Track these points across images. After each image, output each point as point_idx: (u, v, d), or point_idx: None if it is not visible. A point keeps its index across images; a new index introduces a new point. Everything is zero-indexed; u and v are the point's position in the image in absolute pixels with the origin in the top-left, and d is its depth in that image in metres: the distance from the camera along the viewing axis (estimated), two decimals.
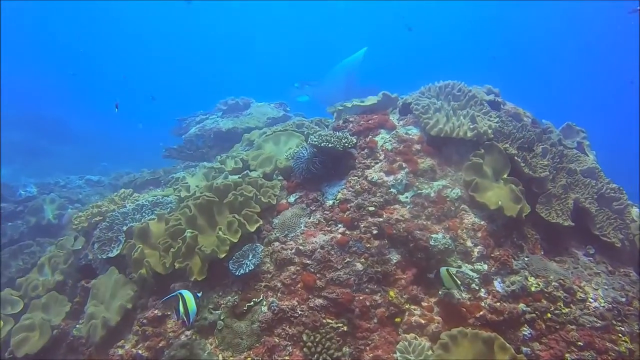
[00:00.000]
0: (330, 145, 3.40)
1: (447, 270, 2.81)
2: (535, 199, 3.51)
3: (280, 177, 4.01)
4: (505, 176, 3.49)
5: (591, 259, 3.44)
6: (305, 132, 4.62)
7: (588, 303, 2.95)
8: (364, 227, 3.20)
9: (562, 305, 2.94)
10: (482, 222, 3.23)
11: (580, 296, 2.98)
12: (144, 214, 4.07)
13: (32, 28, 31.39)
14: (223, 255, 3.21)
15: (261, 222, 3.43)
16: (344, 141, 3.45)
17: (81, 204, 8.43)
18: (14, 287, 4.72)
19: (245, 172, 4.18)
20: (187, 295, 2.63)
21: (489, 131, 3.52)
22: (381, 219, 3.20)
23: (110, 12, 33.47)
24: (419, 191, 3.32)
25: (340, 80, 10.80)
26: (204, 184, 4.54)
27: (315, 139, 3.48)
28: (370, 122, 3.79)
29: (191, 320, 2.62)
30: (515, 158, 3.50)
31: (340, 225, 3.26)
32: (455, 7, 31.84)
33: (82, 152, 15.09)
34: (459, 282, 2.84)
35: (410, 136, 3.63)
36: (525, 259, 3.20)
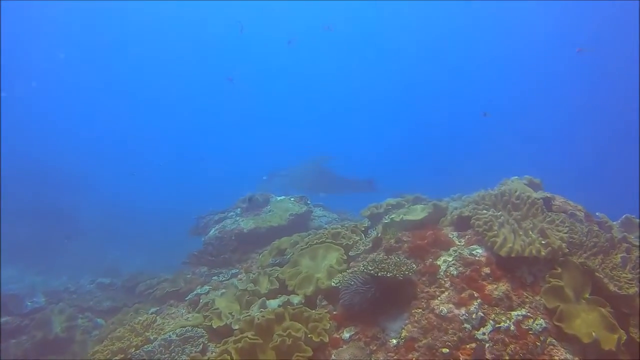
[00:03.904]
0: (389, 275, 3.01)
1: None
2: (623, 319, 3.06)
3: (324, 302, 3.60)
4: (587, 295, 3.07)
5: None
6: (344, 244, 4.26)
7: None
8: None
9: None
10: (575, 359, 2.76)
11: None
12: (173, 353, 3.59)
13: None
14: None
15: None
16: (403, 269, 3.07)
17: (92, 312, 7.89)
18: None
19: (285, 298, 3.76)
20: None
21: (563, 245, 3.16)
22: None
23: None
24: (497, 325, 2.86)
25: (310, 170, 11.07)
26: (236, 307, 4.12)
27: (370, 267, 3.11)
28: (425, 241, 3.42)
29: None
30: (597, 274, 3.10)
31: None
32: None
33: (93, 241, 14.58)
34: None
35: (477, 258, 3.24)
36: None
